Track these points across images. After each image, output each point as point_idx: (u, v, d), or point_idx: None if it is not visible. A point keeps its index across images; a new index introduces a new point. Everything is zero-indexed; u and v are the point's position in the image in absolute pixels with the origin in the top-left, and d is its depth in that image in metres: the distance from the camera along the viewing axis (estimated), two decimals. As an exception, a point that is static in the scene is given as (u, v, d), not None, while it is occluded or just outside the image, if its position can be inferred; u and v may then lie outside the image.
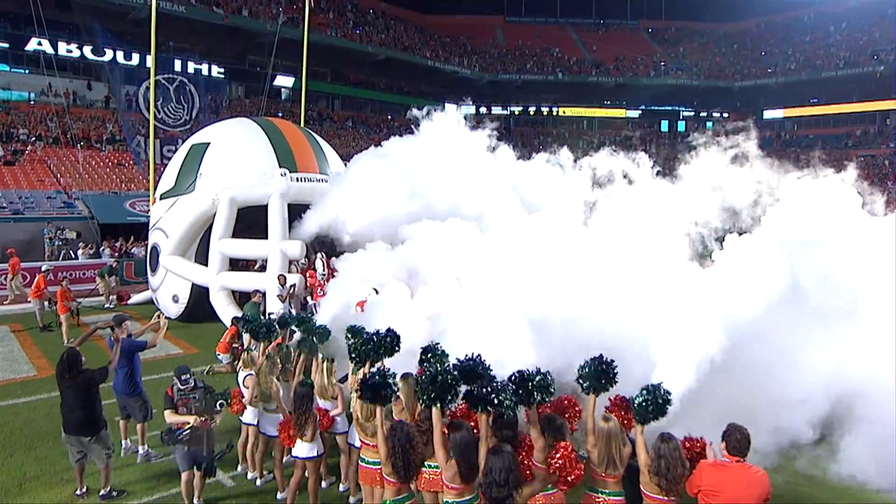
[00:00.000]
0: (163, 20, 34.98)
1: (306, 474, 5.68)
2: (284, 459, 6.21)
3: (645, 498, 4.08)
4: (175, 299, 13.32)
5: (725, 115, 59.97)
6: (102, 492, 6.09)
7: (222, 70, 42.72)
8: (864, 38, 51.67)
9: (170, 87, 18.68)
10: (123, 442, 7.13)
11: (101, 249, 17.46)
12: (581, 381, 4.38)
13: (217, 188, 12.67)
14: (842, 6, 55.45)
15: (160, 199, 14.12)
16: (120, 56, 34.63)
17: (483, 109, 60.25)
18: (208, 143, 13.57)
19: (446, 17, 60.48)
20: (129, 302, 15.61)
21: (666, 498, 3.96)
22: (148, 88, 18.09)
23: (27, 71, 32.35)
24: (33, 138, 25.96)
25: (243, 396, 6.30)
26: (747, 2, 59.79)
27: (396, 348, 5.34)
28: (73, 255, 18.20)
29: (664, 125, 60.89)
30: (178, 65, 39.67)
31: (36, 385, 9.58)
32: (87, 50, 33.76)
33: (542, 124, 59.64)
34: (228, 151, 13.31)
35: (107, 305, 15.60)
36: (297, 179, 12.78)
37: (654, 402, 4.05)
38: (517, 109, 59.74)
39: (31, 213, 20.40)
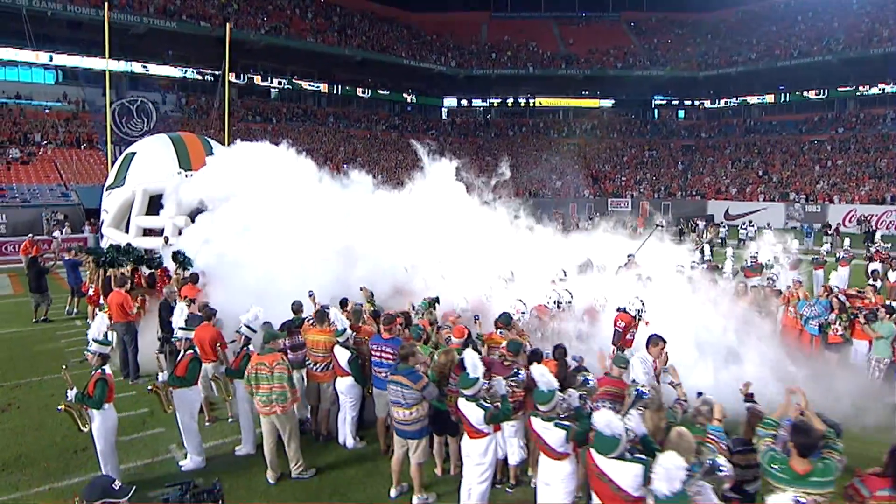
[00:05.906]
0: (158, 35, 41.80)
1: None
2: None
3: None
4: (114, 258, 19.39)
5: (697, 103, 63.18)
6: (38, 319, 14.00)
7: (216, 75, 49.00)
8: (824, 28, 53.11)
9: (132, 107, 24.72)
10: (68, 306, 14.94)
11: (83, 227, 23.85)
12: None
13: (136, 183, 18.60)
14: (813, -5, 56.50)
15: (106, 190, 20.16)
16: (117, 66, 41.20)
17: (464, 102, 65.25)
18: (135, 153, 19.50)
19: (435, 15, 63.99)
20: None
21: None
22: (117, 105, 24.48)
23: (51, 80, 39.25)
24: (45, 141, 32.50)
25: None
26: (728, -9, 60.91)
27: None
28: (61, 231, 24.76)
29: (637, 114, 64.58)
30: (176, 72, 46.55)
31: (9, 297, 17.13)
32: (89, 61, 40.40)
33: (520, 115, 63.69)
34: (146, 158, 19.22)
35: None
36: (190, 175, 18.59)
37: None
38: (496, 101, 63.96)
39: (36, 201, 27.11)
